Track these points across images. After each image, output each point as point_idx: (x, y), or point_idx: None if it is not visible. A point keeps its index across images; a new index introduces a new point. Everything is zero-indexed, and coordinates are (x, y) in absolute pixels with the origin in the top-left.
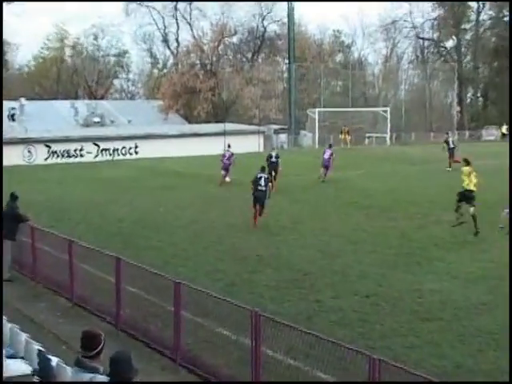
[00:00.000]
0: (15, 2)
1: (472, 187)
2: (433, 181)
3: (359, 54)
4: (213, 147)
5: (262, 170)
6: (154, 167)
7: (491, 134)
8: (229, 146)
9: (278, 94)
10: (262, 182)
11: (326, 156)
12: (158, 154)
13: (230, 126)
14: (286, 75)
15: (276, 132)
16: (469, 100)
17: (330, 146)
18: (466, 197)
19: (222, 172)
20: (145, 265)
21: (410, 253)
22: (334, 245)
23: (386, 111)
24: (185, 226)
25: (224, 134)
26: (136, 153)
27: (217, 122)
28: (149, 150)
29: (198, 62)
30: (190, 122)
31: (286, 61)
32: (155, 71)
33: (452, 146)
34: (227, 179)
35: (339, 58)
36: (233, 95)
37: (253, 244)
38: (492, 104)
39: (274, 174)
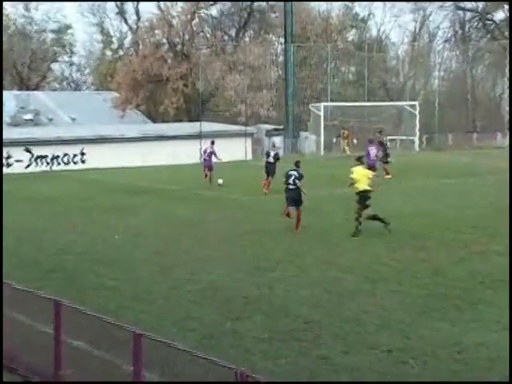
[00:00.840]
0: None
1: (365, 187)
2: (476, 199)
3: (378, 31)
4: (185, 154)
5: (297, 165)
6: (107, 181)
7: None
8: (212, 143)
9: (271, 83)
10: (292, 180)
11: (372, 155)
12: (112, 163)
13: (207, 127)
14: (281, 59)
15: (268, 134)
16: None
17: (372, 142)
18: (361, 199)
19: (206, 172)
20: (94, 310)
21: (446, 294)
22: (345, 283)
23: (413, 106)
24: (147, 258)
25: (199, 136)
26: (82, 162)
27: (190, 120)
28: (99, 158)
29: (164, 40)
30: (154, 122)
31: (282, 40)
32: (108, 53)
33: None
34: (219, 181)
35: (352, 36)
36: (211, 85)
37: (238, 282)
38: None
39: (268, 177)
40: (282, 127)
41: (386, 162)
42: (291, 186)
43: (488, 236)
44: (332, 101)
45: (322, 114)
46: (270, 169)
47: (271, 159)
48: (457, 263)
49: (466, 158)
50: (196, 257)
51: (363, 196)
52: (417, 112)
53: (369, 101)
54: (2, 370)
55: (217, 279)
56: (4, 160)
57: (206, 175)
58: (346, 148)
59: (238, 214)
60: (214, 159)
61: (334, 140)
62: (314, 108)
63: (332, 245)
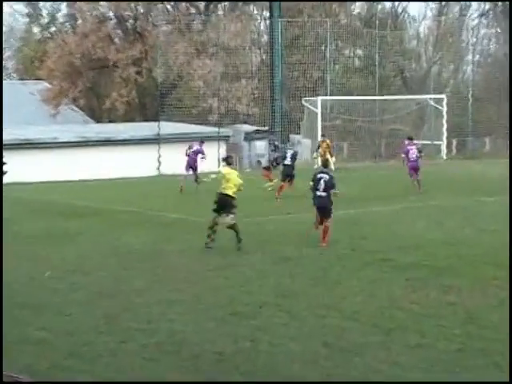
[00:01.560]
0: None
1: (230, 192)
2: None
3: (393, 3)
4: (138, 164)
5: (325, 165)
6: (35, 200)
7: None
8: (202, 142)
9: (253, 71)
10: (322, 185)
11: (413, 154)
12: (42, 175)
13: (168, 128)
14: (265, 39)
15: (249, 138)
16: None
17: (411, 139)
18: (222, 204)
19: (187, 172)
20: (17, 371)
21: (482, 349)
22: (350, 334)
23: (440, 101)
24: (88, 301)
25: (158, 141)
26: (1, 174)
27: (145, 120)
28: (25, 170)
29: (111, 14)
30: (98, 121)
31: (266, 14)
32: (36, 30)
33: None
34: (212, 176)
35: (358, 9)
36: (173, 73)
37: (208, 333)
38: None
39: (288, 179)
40: (266, 128)
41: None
42: (320, 193)
43: None
44: (332, 94)
45: (319, 110)
46: (287, 172)
47: (289, 161)
48: (496, 308)
49: (508, 169)
50: (153, 300)
51: (228, 201)
52: (444, 108)
53: (381, 94)
54: (1, 370)
55: (180, 329)
56: None
57: (181, 189)
58: (331, 159)
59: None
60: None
61: (315, 155)
62: (309, 103)
63: (332, 283)
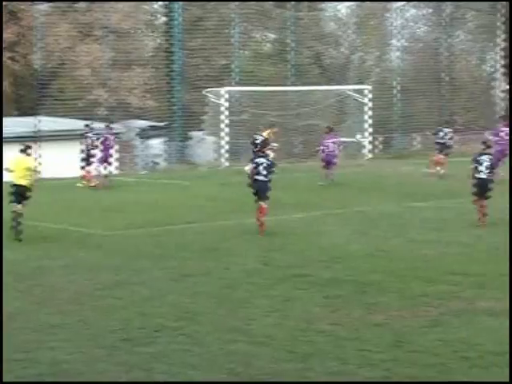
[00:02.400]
0: None
1: (23, 182)
2: (457, 231)
3: None
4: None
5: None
6: None
7: None
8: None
9: (147, 58)
10: (262, 170)
11: (331, 146)
12: None
13: (47, 123)
14: (162, 21)
15: (143, 135)
16: None
17: (332, 130)
18: (19, 194)
19: (96, 165)
20: None
21: (412, 376)
22: (260, 361)
23: (362, 92)
24: None
25: (36, 138)
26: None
27: (21, 114)
28: None
29: None
30: None
31: None
32: None
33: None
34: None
35: None
36: (54, 60)
37: (96, 362)
38: None
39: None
40: (163, 124)
41: None
42: (260, 177)
43: (473, 287)
44: (240, 84)
45: (224, 103)
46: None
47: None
48: (428, 328)
49: (441, 170)
50: (30, 324)
51: (21, 192)
52: (367, 100)
53: (296, 84)
54: (1, 370)
55: (64, 359)
56: None
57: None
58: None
59: (96, 257)
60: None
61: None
62: (213, 95)
63: (240, 302)
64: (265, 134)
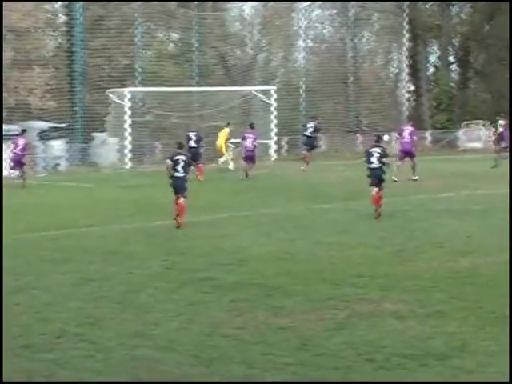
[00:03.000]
0: None
1: None
2: (363, 234)
3: None
4: None
5: (180, 147)
6: None
7: (474, 137)
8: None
9: (47, 57)
10: (180, 167)
11: (250, 143)
12: None
13: None
14: (63, 20)
15: (43, 136)
16: (432, 69)
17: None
18: None
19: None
20: None
21: (318, 379)
22: (164, 366)
23: (268, 93)
24: None
25: None
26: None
27: None
28: None
29: None
30: None
31: None
32: None
33: None
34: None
35: None
36: None
37: None
38: (479, 77)
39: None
40: (64, 125)
41: None
42: (179, 174)
43: (380, 289)
44: (143, 84)
45: (127, 104)
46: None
47: (193, 143)
48: (333, 332)
49: (348, 172)
50: None
51: None
52: (273, 102)
53: (200, 84)
54: (1, 370)
55: None
56: None
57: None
58: (228, 156)
59: None
60: None
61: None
62: (116, 96)
63: (144, 307)
64: (221, 133)
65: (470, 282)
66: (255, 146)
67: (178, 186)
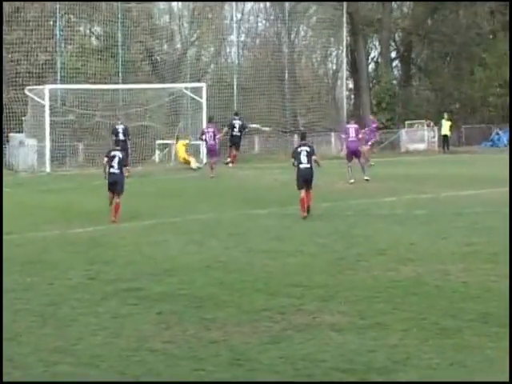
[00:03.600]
0: None
1: None
2: (300, 240)
3: None
4: None
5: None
6: None
7: (417, 137)
8: None
9: None
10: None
11: (210, 137)
12: None
13: None
14: None
15: None
16: (373, 66)
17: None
18: None
19: None
20: None
21: None
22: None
23: (198, 90)
24: None
25: None
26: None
27: None
28: None
29: None
30: None
31: None
32: None
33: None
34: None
35: None
36: None
37: None
38: (422, 74)
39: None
40: None
41: None
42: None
43: (317, 300)
44: (64, 81)
45: (47, 103)
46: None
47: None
48: (269, 345)
49: (284, 175)
50: None
51: None
52: (204, 100)
53: (125, 81)
54: (1, 370)
55: None
56: None
57: None
58: (191, 159)
59: None
60: None
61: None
62: (34, 93)
63: (65, 320)
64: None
65: (413, 291)
66: (216, 139)
67: (115, 183)
